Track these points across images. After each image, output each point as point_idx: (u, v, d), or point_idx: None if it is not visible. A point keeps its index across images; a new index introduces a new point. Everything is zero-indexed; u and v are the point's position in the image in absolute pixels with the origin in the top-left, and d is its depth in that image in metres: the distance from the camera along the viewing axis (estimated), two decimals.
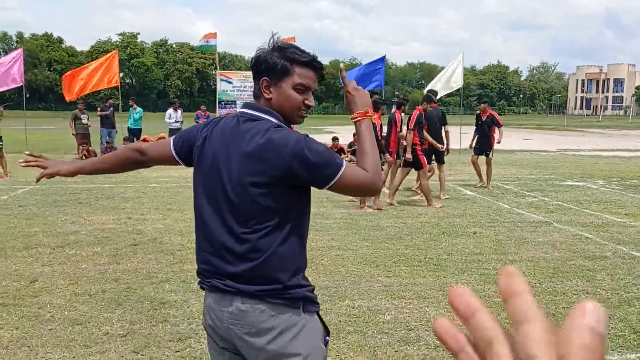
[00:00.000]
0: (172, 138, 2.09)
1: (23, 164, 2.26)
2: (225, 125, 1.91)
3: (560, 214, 8.36)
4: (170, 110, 17.35)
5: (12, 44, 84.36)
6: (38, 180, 2.26)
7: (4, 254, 5.78)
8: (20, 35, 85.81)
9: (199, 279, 1.99)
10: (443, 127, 10.03)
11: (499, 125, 11.15)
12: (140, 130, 17.07)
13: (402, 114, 9.44)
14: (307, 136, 1.84)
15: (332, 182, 1.79)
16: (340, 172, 1.79)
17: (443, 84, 18.71)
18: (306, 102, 1.89)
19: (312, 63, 1.88)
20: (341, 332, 3.87)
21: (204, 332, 3.79)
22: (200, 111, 18.18)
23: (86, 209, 8.33)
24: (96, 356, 3.48)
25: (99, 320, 4.05)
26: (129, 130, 16.82)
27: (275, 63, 1.85)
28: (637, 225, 7.62)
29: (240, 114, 1.91)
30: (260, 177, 1.77)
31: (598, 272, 5.39)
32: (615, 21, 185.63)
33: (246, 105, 1.94)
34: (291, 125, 1.98)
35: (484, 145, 11.10)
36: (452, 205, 9.05)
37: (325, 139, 21.10)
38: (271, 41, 1.91)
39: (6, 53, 79.71)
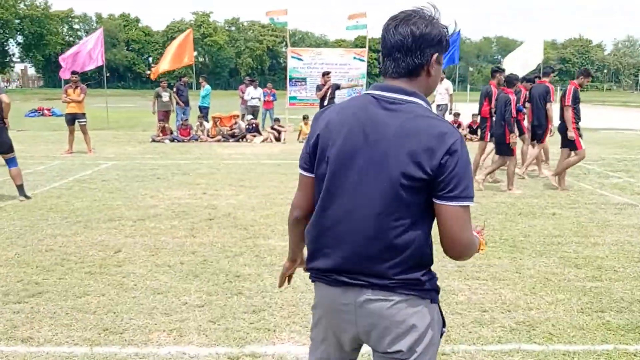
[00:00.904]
0: (299, 166, 1.89)
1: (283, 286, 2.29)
2: (356, 111, 1.73)
3: None
4: (250, 88, 17.67)
5: (92, 24, 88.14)
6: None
7: (90, 226, 6.12)
8: (99, 16, 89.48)
9: (312, 274, 1.89)
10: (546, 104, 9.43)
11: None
12: (207, 108, 17.46)
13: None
14: (462, 137, 1.67)
15: (449, 203, 1.64)
16: (466, 203, 1.65)
17: (522, 62, 17.97)
18: None
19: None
20: None
21: (278, 305, 3.88)
22: (266, 89, 18.36)
23: (164, 184, 8.66)
24: (176, 324, 3.63)
25: (178, 290, 4.22)
26: (199, 108, 17.27)
27: (443, 36, 1.68)
28: None
29: (376, 97, 1.71)
30: (417, 170, 1.62)
31: None
32: None
33: (379, 87, 1.73)
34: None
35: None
36: (529, 186, 8.72)
37: None
38: (434, 10, 1.71)
39: (87, 33, 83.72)
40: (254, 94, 17.49)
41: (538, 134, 9.37)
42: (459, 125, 16.15)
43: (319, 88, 13.20)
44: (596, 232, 5.94)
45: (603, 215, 6.74)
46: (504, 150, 8.24)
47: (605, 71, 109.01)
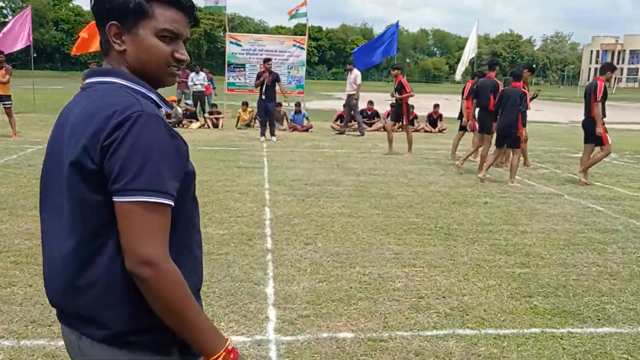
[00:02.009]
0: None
1: None
2: (68, 106, 1.44)
3: (572, 187, 8.29)
4: (193, 74, 17.23)
5: (18, 2, 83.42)
6: None
7: (15, 213, 5.80)
8: None
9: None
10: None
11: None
12: None
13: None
14: (148, 114, 1.27)
15: (116, 199, 1.23)
16: (137, 198, 1.22)
17: (463, 59, 18.83)
18: (176, 54, 1.40)
19: (179, 1, 1.39)
20: (352, 299, 3.88)
21: (216, 295, 3.81)
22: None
23: None
24: None
25: None
26: None
27: (127, 0, 1.34)
28: None
29: (86, 85, 1.42)
30: (87, 159, 1.26)
31: (609, 245, 5.36)
32: None
33: (92, 73, 1.44)
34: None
35: None
36: (463, 176, 8.99)
37: (336, 105, 20.98)
38: None
39: (13, 12, 79.16)
40: (196, 79, 17.09)
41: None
42: (415, 117, 16.10)
43: (258, 76, 13.05)
44: (525, 221, 6.20)
45: (531, 204, 7.05)
46: (511, 142, 8.28)
47: (534, 66, 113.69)
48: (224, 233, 5.32)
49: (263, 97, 12.69)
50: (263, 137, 12.70)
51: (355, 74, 15.10)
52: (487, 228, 5.85)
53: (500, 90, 8.74)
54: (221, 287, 3.98)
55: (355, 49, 19.06)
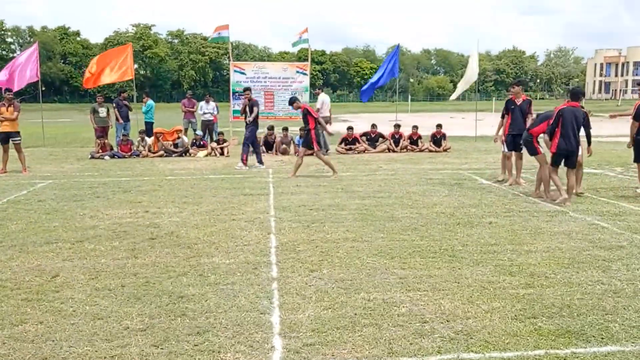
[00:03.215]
0: None
1: None
2: None
3: (577, 203, 8.31)
4: (202, 103, 17.52)
5: (26, 37, 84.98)
6: None
7: (25, 250, 5.91)
8: (31, 30, 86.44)
9: None
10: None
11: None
12: (151, 123, 17.23)
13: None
14: None
15: None
16: None
17: (464, 80, 19.23)
18: None
19: None
20: (356, 325, 3.92)
21: (222, 325, 3.87)
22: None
23: (104, 203, 8.46)
24: (117, 350, 3.57)
25: (119, 314, 4.14)
26: (145, 123, 17.03)
27: None
28: None
29: None
30: None
31: (614, 262, 5.37)
32: (633, 3, 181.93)
33: None
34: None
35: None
36: (467, 195, 9.03)
37: (340, 127, 21.13)
38: None
39: (21, 46, 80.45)
40: (206, 108, 17.33)
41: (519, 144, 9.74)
42: (400, 136, 16.53)
43: (244, 106, 13.11)
44: (529, 240, 6.22)
45: (536, 222, 7.07)
46: (574, 163, 8.30)
47: (538, 81, 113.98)
48: (230, 262, 5.39)
49: (248, 122, 12.74)
50: (262, 166, 12.78)
51: (322, 98, 16.04)
52: (491, 248, 5.87)
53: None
54: (227, 318, 4.04)
55: (362, 88, 19.89)
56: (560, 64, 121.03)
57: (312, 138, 11.23)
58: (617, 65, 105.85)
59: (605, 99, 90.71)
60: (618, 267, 5.21)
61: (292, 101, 11.75)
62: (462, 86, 19.66)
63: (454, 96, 21.03)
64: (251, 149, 12.84)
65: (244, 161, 12.65)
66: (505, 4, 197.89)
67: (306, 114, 11.37)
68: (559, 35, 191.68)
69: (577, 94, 8.34)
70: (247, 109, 12.69)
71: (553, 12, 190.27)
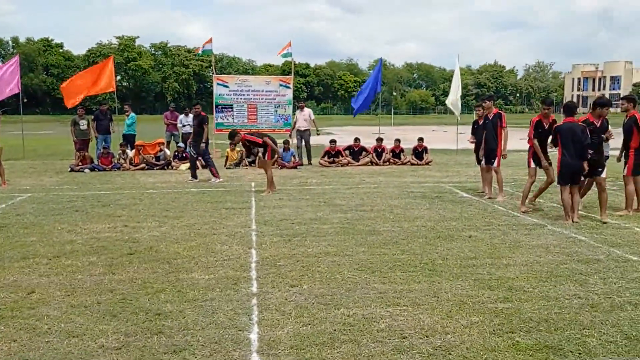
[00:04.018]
0: None
1: None
2: None
3: (555, 216, 8.40)
4: (182, 116, 17.44)
5: (9, 49, 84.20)
6: None
7: (2, 265, 5.80)
8: (15, 41, 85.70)
9: None
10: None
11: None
12: (133, 135, 17.10)
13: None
14: None
15: None
16: None
17: (452, 97, 19.56)
18: None
19: None
20: (336, 342, 3.90)
21: (200, 343, 3.83)
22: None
23: (82, 217, 8.35)
24: None
25: (95, 332, 4.07)
26: (124, 136, 16.85)
27: None
28: (630, 227, 7.66)
29: None
30: None
31: (591, 275, 5.43)
32: (609, 19, 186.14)
33: None
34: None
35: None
36: (448, 208, 9.08)
37: (323, 140, 21.19)
38: None
39: (3, 58, 79.57)
40: (185, 121, 17.25)
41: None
42: (383, 150, 16.61)
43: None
44: (508, 253, 6.27)
45: (515, 236, 7.13)
46: (578, 180, 8.17)
47: (517, 95, 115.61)
48: (209, 278, 5.34)
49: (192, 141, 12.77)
50: (195, 180, 12.66)
51: (309, 111, 16.59)
52: (471, 262, 5.90)
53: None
54: (205, 335, 3.99)
55: (353, 100, 20.13)
56: (539, 79, 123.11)
57: (267, 153, 10.92)
58: (594, 79, 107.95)
59: (584, 113, 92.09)
60: (595, 280, 5.27)
61: (232, 136, 11.16)
62: (454, 102, 19.74)
63: (457, 113, 20.36)
64: (198, 159, 12.89)
65: (216, 174, 12.65)
66: (485, 19, 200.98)
67: (251, 143, 10.97)
68: (537, 50, 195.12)
69: (571, 109, 8.23)
70: (196, 123, 12.64)
71: (532, 27, 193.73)
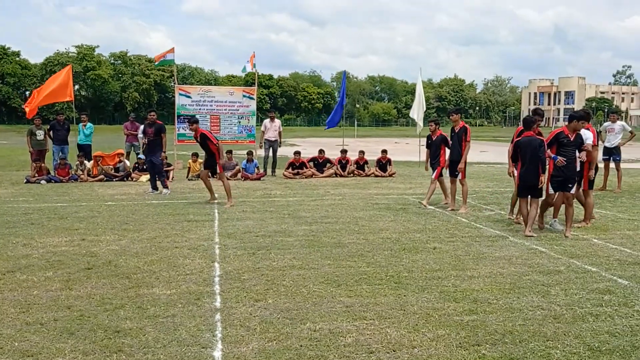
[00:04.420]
0: None
1: None
2: None
3: (516, 228, 8.53)
4: (143, 126, 17.04)
5: None
6: None
7: None
8: None
9: None
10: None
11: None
12: (90, 146, 16.65)
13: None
14: None
15: None
16: None
17: (417, 109, 19.97)
18: None
19: None
20: (302, 357, 3.82)
21: None
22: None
23: (38, 231, 8.06)
24: None
25: (51, 351, 3.89)
26: (79, 146, 16.36)
27: None
28: (588, 239, 7.84)
29: None
30: None
31: (552, 286, 5.51)
32: (563, 36, 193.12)
33: None
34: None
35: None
36: (412, 220, 9.14)
37: (287, 151, 21.11)
38: None
39: None
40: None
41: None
42: (347, 161, 16.65)
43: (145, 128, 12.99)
44: (472, 265, 6.32)
45: (478, 248, 7.20)
46: (537, 194, 8.13)
47: (477, 108, 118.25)
48: (171, 293, 5.20)
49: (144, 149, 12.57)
50: (155, 191, 12.48)
51: (279, 122, 16.79)
52: (436, 274, 5.92)
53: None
54: (167, 353, 3.86)
55: (328, 119, 20.36)
56: (498, 93, 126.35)
57: (216, 162, 10.84)
58: (549, 94, 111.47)
59: (540, 126, 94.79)
60: (557, 292, 5.35)
61: (193, 122, 11.06)
62: (417, 114, 20.06)
63: (419, 126, 20.60)
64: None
65: (167, 186, 12.53)
66: (445, 34, 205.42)
67: (205, 139, 10.86)
68: (496, 65, 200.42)
69: (528, 123, 8.38)
70: (152, 132, 12.41)
71: (490, 43, 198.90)
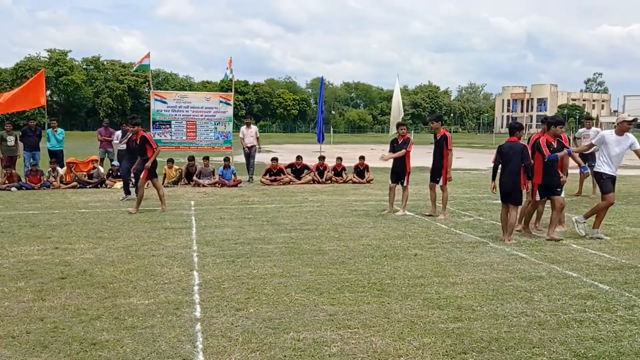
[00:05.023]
0: None
1: None
2: None
3: (496, 234, 8.56)
4: (119, 132, 16.74)
5: None
6: None
7: None
8: None
9: None
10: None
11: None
12: (62, 151, 16.28)
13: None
14: None
15: None
16: None
17: (396, 114, 20.07)
18: None
19: None
20: None
21: None
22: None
23: (8, 239, 7.79)
24: None
25: None
26: (50, 152, 15.97)
27: None
28: (568, 244, 7.90)
29: None
30: None
31: (535, 292, 5.51)
32: (535, 44, 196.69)
33: None
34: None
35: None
36: (392, 226, 9.10)
37: (263, 158, 20.96)
38: None
39: None
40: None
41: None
42: (325, 168, 16.60)
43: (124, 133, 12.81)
44: (454, 272, 6.29)
45: (459, 254, 7.19)
46: (515, 200, 8.10)
47: (451, 115, 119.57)
48: (149, 303, 5.04)
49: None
50: (129, 196, 12.30)
51: (255, 128, 17.09)
52: (418, 281, 5.87)
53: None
54: None
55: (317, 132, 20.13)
56: (472, 100, 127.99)
57: (144, 171, 10.56)
58: (522, 101, 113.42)
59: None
60: (540, 297, 5.34)
61: (135, 123, 10.82)
62: (393, 120, 20.13)
63: (392, 132, 20.82)
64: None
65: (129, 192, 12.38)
66: (419, 41, 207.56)
67: (144, 142, 10.59)
68: (469, 72, 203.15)
69: (512, 129, 8.36)
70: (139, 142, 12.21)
71: (464, 50, 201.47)
